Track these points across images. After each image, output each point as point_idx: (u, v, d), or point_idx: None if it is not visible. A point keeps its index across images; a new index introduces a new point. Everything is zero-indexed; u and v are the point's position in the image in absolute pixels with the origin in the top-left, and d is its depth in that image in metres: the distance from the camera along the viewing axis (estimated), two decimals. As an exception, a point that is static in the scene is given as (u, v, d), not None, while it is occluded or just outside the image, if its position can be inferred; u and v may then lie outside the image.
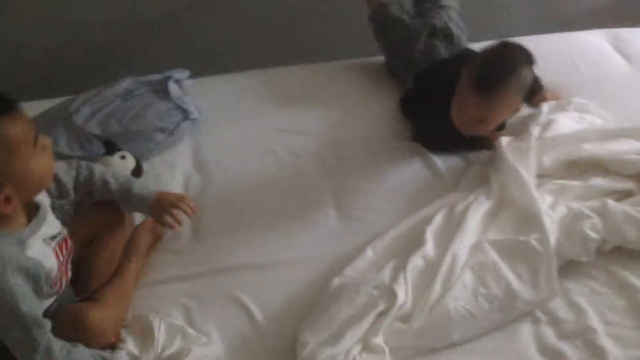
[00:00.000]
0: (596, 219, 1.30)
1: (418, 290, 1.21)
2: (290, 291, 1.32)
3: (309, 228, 1.48)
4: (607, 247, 1.31)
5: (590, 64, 1.92)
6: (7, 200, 1.04)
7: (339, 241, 1.42)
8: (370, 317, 1.14)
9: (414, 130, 1.67)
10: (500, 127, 1.57)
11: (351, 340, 1.10)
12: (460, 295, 1.20)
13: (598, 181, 1.40)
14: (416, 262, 1.25)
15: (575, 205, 1.34)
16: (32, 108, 1.54)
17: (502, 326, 1.22)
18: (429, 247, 1.28)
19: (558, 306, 1.24)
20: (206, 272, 1.39)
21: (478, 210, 1.37)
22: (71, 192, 1.29)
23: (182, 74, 1.79)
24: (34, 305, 1.08)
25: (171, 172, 1.65)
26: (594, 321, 1.20)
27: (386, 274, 1.23)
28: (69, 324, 1.17)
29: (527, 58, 1.45)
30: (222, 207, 1.55)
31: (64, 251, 1.23)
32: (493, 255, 1.26)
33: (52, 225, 1.18)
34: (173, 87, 1.73)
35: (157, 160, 1.68)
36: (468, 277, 1.23)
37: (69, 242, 1.25)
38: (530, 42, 1.55)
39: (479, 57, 1.50)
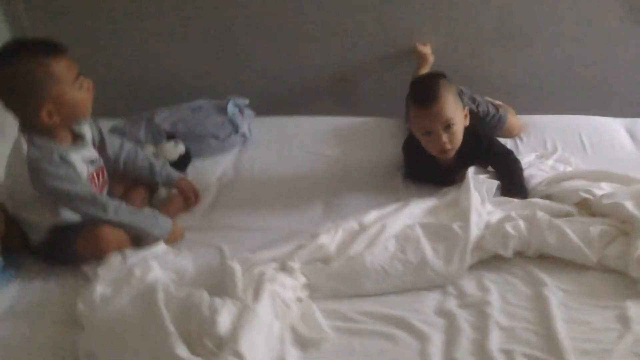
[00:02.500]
0: (521, 222, 1.46)
1: (344, 245, 1.45)
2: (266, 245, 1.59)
3: (299, 213, 1.77)
4: (530, 252, 1.45)
5: (599, 146, 2.02)
6: (49, 114, 1.47)
7: (320, 223, 1.67)
8: (290, 246, 1.40)
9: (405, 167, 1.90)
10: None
11: (269, 253, 1.37)
12: (380, 255, 1.42)
13: (541, 201, 1.56)
14: (350, 224, 1.50)
15: (511, 213, 1.51)
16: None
17: (412, 289, 1.40)
18: (367, 218, 1.52)
19: (469, 286, 1.40)
20: (205, 226, 1.74)
21: (425, 202, 1.59)
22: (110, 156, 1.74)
23: (242, 100, 2.26)
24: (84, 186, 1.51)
25: (214, 166, 2.08)
26: (494, 298, 1.35)
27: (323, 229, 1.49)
28: (86, 237, 1.55)
29: (438, 74, 1.72)
30: (242, 195, 1.91)
31: (100, 178, 1.66)
32: (419, 232, 1.47)
33: (92, 152, 1.63)
34: (230, 106, 2.20)
35: (207, 159, 2.12)
36: (391, 244, 1.45)
37: (105, 173, 1.68)
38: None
39: (409, 93, 1.72)
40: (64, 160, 1.51)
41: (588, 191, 1.52)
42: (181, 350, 1.11)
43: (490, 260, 1.47)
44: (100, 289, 1.37)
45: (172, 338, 1.13)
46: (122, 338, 1.19)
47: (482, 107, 1.97)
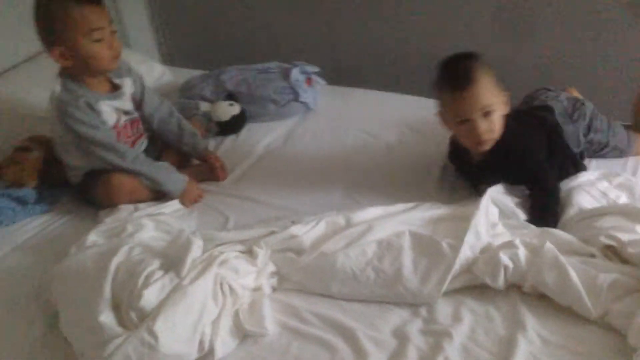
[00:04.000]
0: (522, 252, 1.27)
1: (322, 239, 1.37)
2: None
3: (320, 197, 1.69)
4: (527, 287, 1.26)
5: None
6: (62, 56, 1.54)
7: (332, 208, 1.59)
8: (261, 231, 1.36)
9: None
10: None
11: (239, 235, 1.35)
12: (355, 258, 1.32)
13: (562, 234, 1.33)
14: (337, 218, 1.41)
15: (516, 240, 1.31)
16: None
17: (381, 301, 1.29)
18: (358, 215, 1.42)
19: (443, 311, 1.26)
20: (227, 192, 1.76)
21: (433, 210, 1.45)
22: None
23: (311, 67, 2.20)
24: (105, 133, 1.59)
25: (267, 132, 2.06)
26: (461, 331, 1.20)
27: (310, 219, 1.42)
28: (101, 183, 1.64)
29: (471, 55, 1.47)
30: (278, 167, 1.89)
31: (134, 128, 1.73)
32: (405, 242, 1.34)
33: (127, 104, 1.70)
34: (294, 72, 2.15)
35: (264, 123, 2.12)
36: (371, 249, 1.34)
37: (140, 126, 1.75)
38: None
39: (438, 75, 1.49)
40: (90, 107, 1.60)
41: (611, 237, 1.26)
42: (105, 316, 1.15)
43: (482, 287, 1.30)
44: (92, 237, 1.46)
45: (102, 302, 1.17)
46: (69, 288, 1.26)
47: (600, 136, 1.63)
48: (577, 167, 1.58)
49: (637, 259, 1.21)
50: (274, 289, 1.36)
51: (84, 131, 1.59)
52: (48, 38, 1.54)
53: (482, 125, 1.44)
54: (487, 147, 1.49)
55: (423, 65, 2.46)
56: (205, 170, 1.82)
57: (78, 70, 1.59)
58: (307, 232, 1.38)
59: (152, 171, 1.65)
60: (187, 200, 1.68)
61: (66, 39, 1.52)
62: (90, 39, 1.53)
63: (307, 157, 1.94)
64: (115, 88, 1.69)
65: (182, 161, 1.85)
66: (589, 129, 1.61)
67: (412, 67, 2.54)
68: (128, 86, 1.73)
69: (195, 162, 1.88)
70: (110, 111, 1.66)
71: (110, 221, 1.55)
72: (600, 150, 1.66)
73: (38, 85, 1.96)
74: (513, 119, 1.51)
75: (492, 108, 1.44)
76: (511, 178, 1.53)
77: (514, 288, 1.29)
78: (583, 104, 1.65)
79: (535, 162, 1.51)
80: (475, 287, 1.31)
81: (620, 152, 1.68)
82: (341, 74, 2.47)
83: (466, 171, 1.64)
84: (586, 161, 1.63)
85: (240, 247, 1.35)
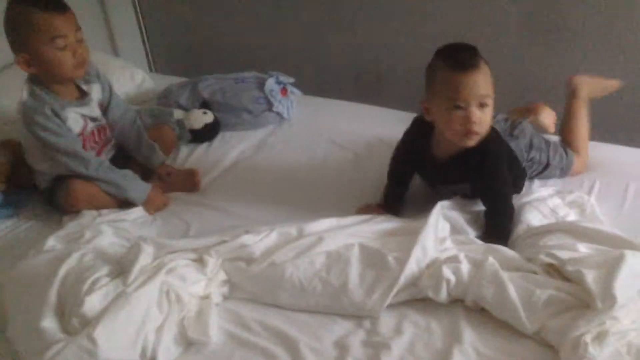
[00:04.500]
0: (466, 267, 1.29)
1: (273, 249, 1.39)
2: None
3: (288, 210, 1.69)
4: (468, 301, 1.28)
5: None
6: (26, 62, 1.56)
7: (296, 218, 1.60)
8: (213, 240, 1.38)
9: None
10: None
11: (191, 243, 1.38)
12: (303, 268, 1.34)
13: (508, 250, 1.35)
14: (289, 229, 1.43)
15: (461, 254, 1.33)
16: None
17: (326, 312, 1.31)
18: (311, 227, 1.44)
19: (385, 323, 1.28)
20: (194, 201, 1.79)
21: (387, 223, 1.46)
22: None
23: (286, 78, 2.23)
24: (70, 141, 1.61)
25: (239, 141, 2.09)
26: (400, 343, 1.22)
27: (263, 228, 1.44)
28: (62, 189, 1.67)
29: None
30: (247, 176, 1.91)
31: (102, 135, 1.76)
32: (353, 255, 1.35)
33: (94, 110, 1.73)
34: (269, 82, 2.18)
35: (238, 132, 2.14)
36: (319, 260, 1.35)
37: (107, 133, 1.78)
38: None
39: (436, 59, 1.42)
40: (56, 113, 1.62)
41: (552, 255, 1.27)
42: (48, 322, 1.18)
43: (426, 300, 1.32)
44: (51, 241, 1.48)
45: (45, 308, 1.20)
46: (18, 293, 1.29)
47: (540, 155, 1.64)
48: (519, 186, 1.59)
49: (575, 277, 1.22)
50: (226, 297, 1.38)
51: (47, 138, 1.62)
52: (14, 44, 1.57)
53: (477, 113, 1.38)
54: (473, 142, 1.42)
55: (400, 78, 2.54)
56: (178, 179, 1.84)
57: (44, 76, 1.62)
58: (258, 241, 1.40)
59: (115, 178, 1.68)
60: (151, 207, 1.71)
61: (30, 46, 1.55)
62: (53, 46, 1.54)
63: (277, 166, 1.96)
64: (83, 94, 1.72)
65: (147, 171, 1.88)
66: (530, 146, 1.62)
67: (389, 79, 2.58)
68: (96, 92, 1.75)
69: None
70: (77, 118, 1.69)
71: (71, 226, 1.58)
72: (542, 171, 1.66)
73: (11, 92, 2.00)
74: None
75: (488, 101, 1.39)
76: (472, 186, 1.52)
77: (457, 302, 1.31)
78: (521, 122, 1.65)
79: (503, 176, 1.49)
80: (420, 300, 1.33)
81: (562, 172, 1.68)
82: (319, 85, 2.50)
83: (426, 170, 1.61)
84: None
85: (191, 255, 1.37)
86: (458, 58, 1.39)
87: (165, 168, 1.87)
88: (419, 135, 1.57)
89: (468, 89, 1.36)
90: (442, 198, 1.53)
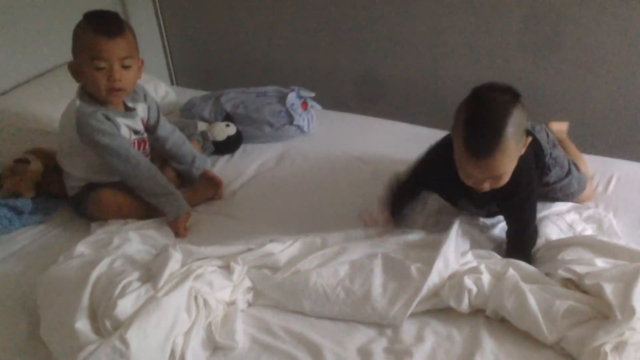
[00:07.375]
0: (486, 278, 1.32)
1: (297, 258, 1.43)
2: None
3: (307, 221, 1.71)
4: (489, 311, 1.31)
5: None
6: (75, 73, 1.64)
7: (315, 230, 1.64)
8: (239, 247, 1.42)
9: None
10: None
11: (218, 250, 1.42)
12: (327, 277, 1.38)
13: (525, 265, 1.37)
14: (313, 238, 1.47)
15: (481, 265, 1.36)
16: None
17: (349, 320, 1.35)
18: (332, 236, 1.48)
19: (407, 331, 1.31)
20: (215, 211, 1.83)
21: (403, 235, 1.49)
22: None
23: (307, 92, 2.28)
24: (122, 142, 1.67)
25: (261, 153, 2.14)
26: (422, 351, 1.25)
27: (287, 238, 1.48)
28: (92, 197, 1.73)
29: (511, 97, 1.29)
30: (268, 187, 1.96)
31: (142, 148, 1.82)
32: (376, 265, 1.39)
33: (138, 125, 1.78)
34: (291, 96, 2.23)
35: (260, 145, 2.19)
36: (343, 269, 1.39)
37: (147, 147, 1.83)
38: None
39: (461, 116, 1.32)
40: (108, 118, 1.68)
41: (569, 270, 1.30)
42: (81, 324, 1.22)
43: (448, 310, 1.35)
44: (80, 247, 1.53)
45: (79, 310, 1.24)
46: (51, 296, 1.33)
47: (562, 156, 1.61)
48: None
49: (593, 289, 1.24)
50: (250, 304, 1.42)
51: (102, 140, 1.65)
52: (72, 51, 1.66)
53: (486, 184, 1.36)
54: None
55: (421, 94, 2.59)
56: (203, 190, 1.88)
57: (90, 90, 1.68)
58: (283, 250, 1.44)
59: (161, 188, 1.72)
60: (174, 227, 1.71)
61: (77, 58, 1.64)
62: (91, 65, 1.61)
63: (297, 178, 2.00)
64: (128, 109, 1.78)
65: (178, 182, 1.93)
66: (553, 145, 1.60)
67: (410, 95, 2.62)
68: (141, 110, 1.82)
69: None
70: (124, 127, 1.74)
71: (99, 233, 1.63)
72: (564, 178, 1.62)
73: (43, 102, 2.06)
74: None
75: (505, 174, 1.33)
76: (496, 207, 1.52)
77: (478, 312, 1.34)
78: (540, 124, 1.66)
79: (531, 202, 1.46)
80: (441, 309, 1.36)
81: (578, 187, 1.65)
82: (339, 100, 2.56)
83: (449, 192, 1.59)
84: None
85: (218, 262, 1.41)
86: (473, 140, 1.30)
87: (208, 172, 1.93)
88: (446, 157, 1.44)
89: (479, 172, 1.33)
90: (461, 212, 1.56)
